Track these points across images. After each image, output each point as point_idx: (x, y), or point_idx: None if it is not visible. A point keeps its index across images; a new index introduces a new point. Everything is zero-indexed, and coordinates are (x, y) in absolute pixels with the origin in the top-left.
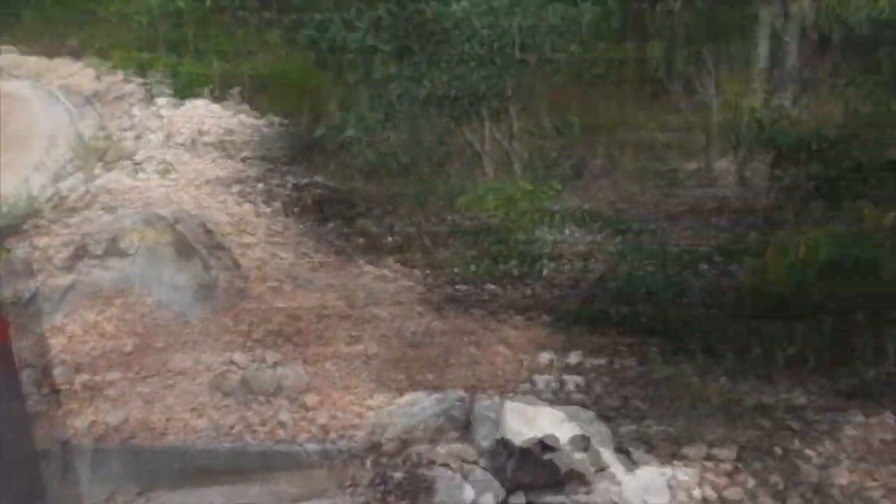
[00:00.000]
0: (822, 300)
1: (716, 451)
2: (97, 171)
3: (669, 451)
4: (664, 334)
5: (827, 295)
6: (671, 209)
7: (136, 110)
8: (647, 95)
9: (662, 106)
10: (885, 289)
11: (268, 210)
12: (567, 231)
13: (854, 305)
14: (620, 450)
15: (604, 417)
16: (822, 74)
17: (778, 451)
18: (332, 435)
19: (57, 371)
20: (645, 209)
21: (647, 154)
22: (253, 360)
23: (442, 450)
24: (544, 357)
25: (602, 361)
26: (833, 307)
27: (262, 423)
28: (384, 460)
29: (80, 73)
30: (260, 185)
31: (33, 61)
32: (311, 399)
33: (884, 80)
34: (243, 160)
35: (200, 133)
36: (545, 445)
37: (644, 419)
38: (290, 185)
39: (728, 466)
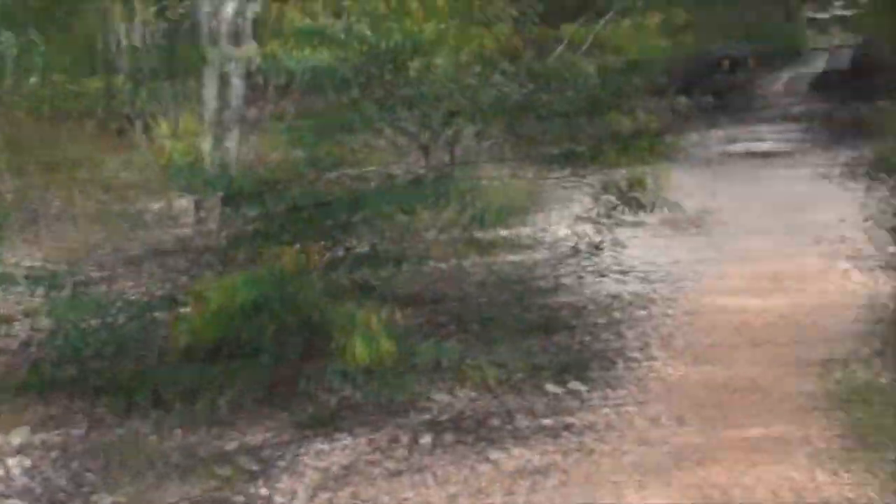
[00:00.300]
0: (257, 340)
1: None
2: None
3: None
4: (115, 393)
5: (258, 334)
6: (131, 253)
7: None
8: (113, 132)
9: (128, 143)
10: (314, 324)
11: None
12: (10, 288)
13: (289, 342)
14: None
15: (50, 501)
16: (266, 118)
17: (238, 498)
18: None
19: None
20: (103, 255)
21: (111, 194)
22: None
23: None
24: None
25: (50, 435)
26: (268, 346)
27: None
28: None
29: None
30: None
31: None
32: None
33: (315, 124)
34: None
35: None
36: None
37: (95, 493)
38: None
39: None
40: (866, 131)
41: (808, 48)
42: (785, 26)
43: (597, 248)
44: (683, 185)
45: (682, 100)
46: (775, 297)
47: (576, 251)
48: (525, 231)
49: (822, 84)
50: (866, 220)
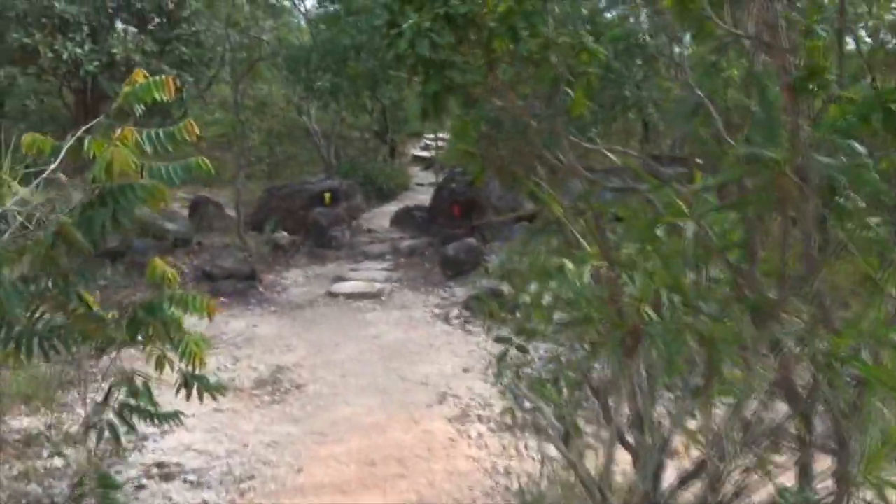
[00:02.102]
0: None
1: None
2: None
3: None
4: None
5: None
6: None
7: None
8: None
9: None
10: None
11: None
12: None
13: None
14: None
15: None
16: None
17: None
18: None
19: None
20: None
21: None
22: None
23: None
24: None
25: None
26: None
27: None
28: None
29: None
30: None
31: None
32: None
33: None
34: None
35: None
36: None
37: None
38: None
39: None
40: (450, 267)
41: (412, 183)
42: (388, 164)
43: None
44: (270, 335)
45: (283, 235)
46: (385, 490)
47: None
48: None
49: (410, 219)
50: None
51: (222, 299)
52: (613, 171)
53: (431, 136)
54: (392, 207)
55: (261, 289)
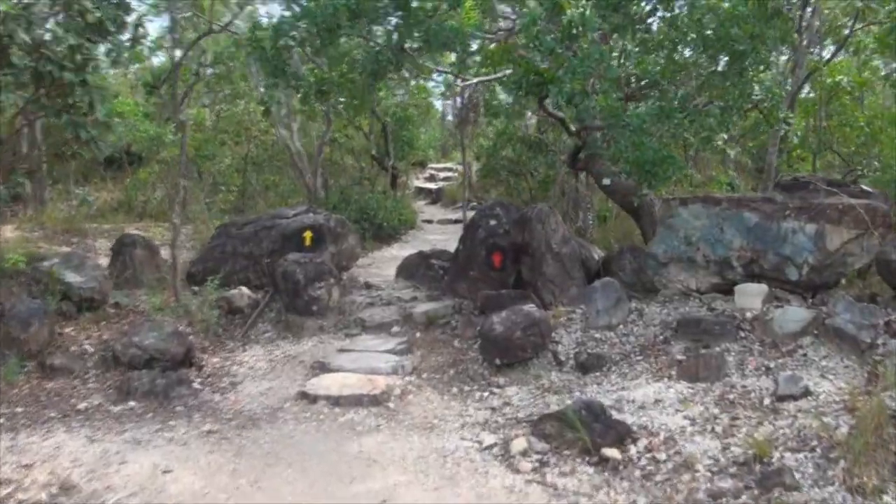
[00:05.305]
0: None
1: None
2: None
3: None
4: None
5: None
6: None
7: None
8: None
9: None
10: None
11: None
12: None
13: None
14: None
15: None
16: None
17: None
18: None
19: None
20: None
21: None
22: None
23: None
24: None
25: None
26: None
27: None
28: None
29: None
30: None
31: None
32: None
33: None
34: None
35: None
36: None
37: None
38: None
39: None
40: (498, 351)
41: (419, 221)
42: (390, 196)
43: None
44: (191, 494)
45: (241, 292)
46: None
47: None
48: None
49: (425, 270)
50: None
51: (131, 404)
52: (744, 201)
53: (439, 165)
54: (396, 251)
55: (196, 383)
